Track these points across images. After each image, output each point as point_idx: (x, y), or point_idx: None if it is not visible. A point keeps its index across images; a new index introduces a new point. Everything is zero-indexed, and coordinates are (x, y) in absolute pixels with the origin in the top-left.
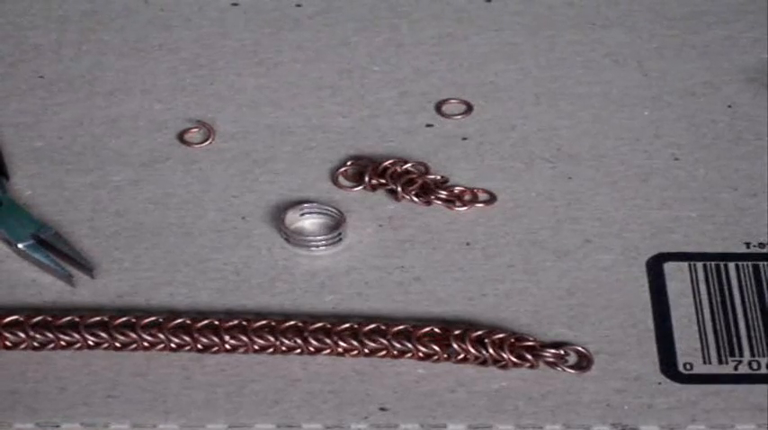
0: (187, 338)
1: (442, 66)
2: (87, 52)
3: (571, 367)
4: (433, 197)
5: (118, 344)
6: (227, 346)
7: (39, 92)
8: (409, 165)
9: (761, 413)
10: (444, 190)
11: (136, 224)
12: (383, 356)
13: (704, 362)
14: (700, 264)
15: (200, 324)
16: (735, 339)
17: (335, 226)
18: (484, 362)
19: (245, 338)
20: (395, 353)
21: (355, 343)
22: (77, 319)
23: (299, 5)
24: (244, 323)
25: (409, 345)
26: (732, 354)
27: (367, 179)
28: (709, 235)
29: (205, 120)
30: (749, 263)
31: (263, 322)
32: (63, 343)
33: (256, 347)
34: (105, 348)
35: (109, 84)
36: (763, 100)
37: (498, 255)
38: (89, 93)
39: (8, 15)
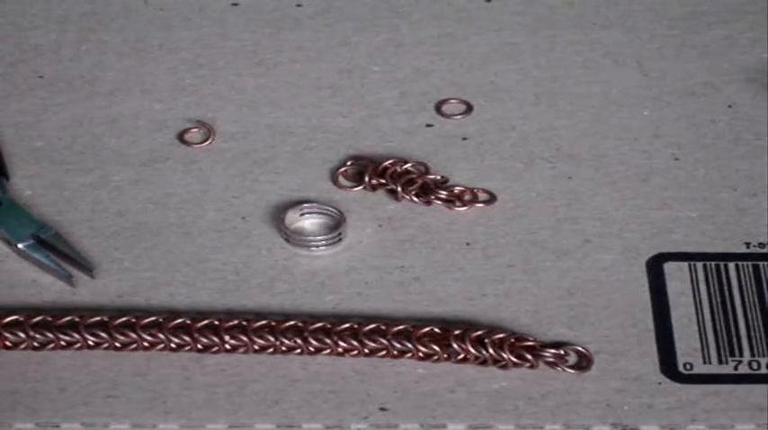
0: (187, 338)
1: (442, 66)
2: (87, 52)
3: (571, 367)
4: (433, 197)
5: (118, 345)
6: (227, 346)
7: (39, 92)
8: (409, 165)
9: (761, 413)
10: (444, 190)
11: (136, 224)
12: (383, 356)
13: (704, 362)
14: (700, 264)
15: (200, 324)
16: (735, 339)
17: (335, 226)
18: (484, 362)
19: (245, 338)
20: (395, 353)
21: (355, 343)
22: (77, 319)
23: (299, 5)
24: (244, 323)
25: (409, 345)
26: (732, 354)
27: (367, 179)
28: (709, 235)
29: (205, 120)
30: (749, 263)
31: (263, 322)
32: (63, 343)
33: (256, 347)
34: (105, 348)
35: (109, 84)
36: (763, 100)
37: (498, 255)
38: (89, 93)
39: (8, 15)
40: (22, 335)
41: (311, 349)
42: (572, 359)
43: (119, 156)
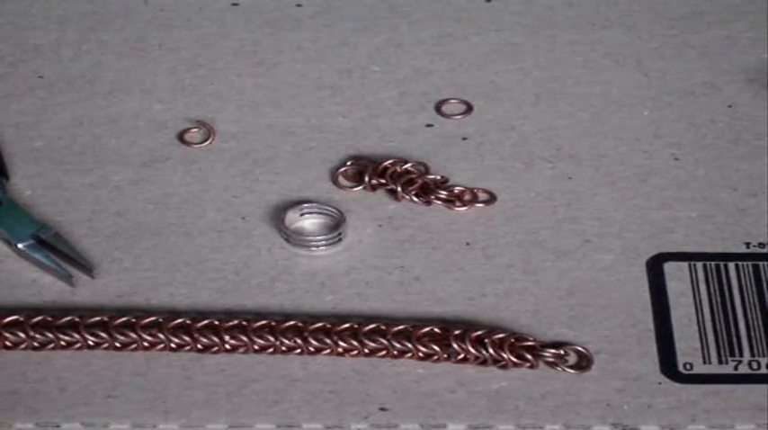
0: (187, 338)
1: (442, 66)
2: (87, 52)
3: (571, 367)
4: (433, 197)
5: (118, 345)
6: (227, 346)
7: (39, 92)
8: (409, 165)
9: (761, 413)
10: (444, 190)
11: (136, 224)
12: (383, 356)
13: (704, 362)
14: (700, 264)
15: (200, 324)
16: (735, 339)
17: (335, 226)
18: (484, 362)
19: (245, 338)
20: (395, 353)
21: (355, 343)
22: (77, 319)
23: (299, 5)
24: (244, 323)
25: (409, 345)
26: (732, 354)
27: (367, 179)
28: (709, 235)
29: (205, 120)
30: (749, 263)
31: (263, 322)
32: (63, 343)
33: (256, 347)
34: (105, 348)
35: (109, 84)
36: (763, 100)
37: (498, 255)
38: (89, 93)
39: (8, 15)
40: (22, 335)
41: (311, 349)
42: (572, 359)
43: (119, 156)
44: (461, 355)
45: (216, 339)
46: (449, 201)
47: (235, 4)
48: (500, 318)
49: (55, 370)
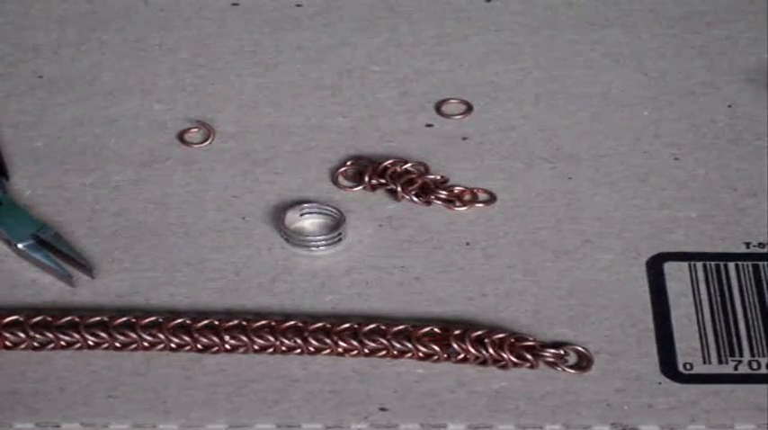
0: (187, 338)
1: (442, 66)
2: (87, 52)
3: (571, 367)
4: (432, 197)
5: (118, 345)
6: (227, 346)
7: (39, 92)
8: (409, 165)
9: (761, 413)
10: (444, 190)
11: (136, 224)
12: (383, 356)
13: (704, 362)
14: (700, 264)
15: (200, 324)
16: (735, 339)
17: (335, 226)
18: (484, 362)
19: (245, 338)
20: (395, 353)
21: (355, 343)
22: (77, 319)
23: (299, 5)
24: (244, 323)
25: (409, 345)
26: (732, 354)
27: (367, 179)
28: (709, 235)
29: (205, 120)
30: (749, 263)
31: (263, 322)
32: (63, 343)
33: (256, 347)
34: (105, 348)
35: (109, 84)
36: (763, 100)
37: (498, 255)
38: (89, 93)
39: (8, 15)
40: (22, 335)
41: (311, 349)
42: (572, 359)
43: (119, 157)
44: (461, 355)
45: (216, 339)
46: (449, 201)
47: (235, 4)
48: (500, 318)
49: (55, 370)
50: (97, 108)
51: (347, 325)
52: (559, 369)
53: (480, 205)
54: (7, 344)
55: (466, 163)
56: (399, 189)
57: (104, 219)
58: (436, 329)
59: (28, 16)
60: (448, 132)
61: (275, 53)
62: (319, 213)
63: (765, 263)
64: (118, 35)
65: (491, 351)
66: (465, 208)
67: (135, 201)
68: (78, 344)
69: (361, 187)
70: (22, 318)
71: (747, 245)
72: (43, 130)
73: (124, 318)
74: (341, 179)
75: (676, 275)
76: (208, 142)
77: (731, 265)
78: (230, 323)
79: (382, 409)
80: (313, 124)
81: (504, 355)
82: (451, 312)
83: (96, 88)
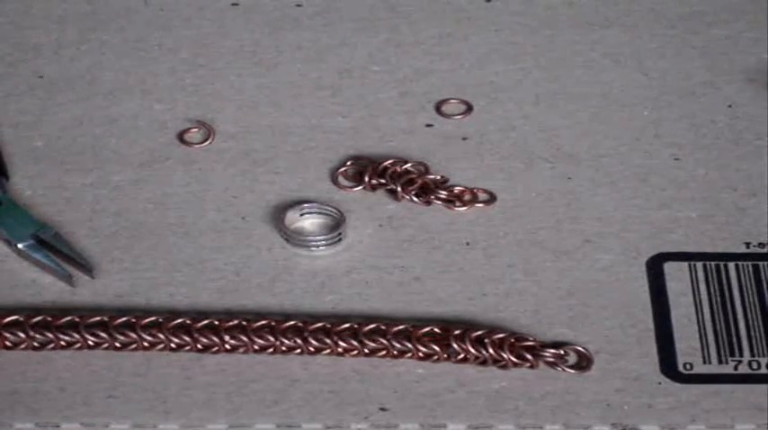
0: (187, 338)
1: (442, 66)
2: (87, 52)
3: (571, 367)
4: (433, 197)
5: (118, 345)
6: (227, 346)
7: (39, 92)
8: (409, 165)
9: (761, 413)
10: (444, 190)
11: (136, 224)
12: (383, 356)
13: (704, 362)
14: (700, 264)
15: (200, 324)
16: (735, 339)
17: (335, 226)
18: (484, 362)
19: (245, 338)
20: (395, 353)
21: (355, 343)
22: (77, 319)
23: (299, 5)
24: (244, 323)
25: (409, 345)
26: (732, 354)
27: (367, 179)
28: (709, 235)
29: (205, 120)
30: (749, 263)
31: (263, 322)
32: (63, 343)
33: (256, 347)
34: (105, 348)
35: (109, 84)
36: (763, 100)
37: (498, 255)
38: (89, 93)
39: (8, 15)
40: (22, 335)
41: (311, 349)
42: (572, 359)
43: (119, 157)
44: (461, 355)
45: (216, 339)
46: (449, 201)
47: (235, 4)
48: (500, 318)
49: (55, 370)
50: (97, 108)
51: (347, 325)
52: (559, 369)
53: (480, 205)
54: (7, 344)
55: (466, 163)
56: (399, 189)
57: (104, 219)
58: (436, 329)
59: (28, 16)
60: (448, 132)
61: (275, 53)
62: (319, 213)
63: (765, 263)
64: (118, 35)
65: (491, 351)
66: (465, 208)
67: (135, 201)
68: (78, 344)
69: (361, 187)
70: (22, 318)
71: (747, 245)
72: (43, 130)
73: (124, 318)
74: (341, 179)
75: (676, 275)
76: (208, 142)
77: (731, 265)
78: (230, 323)
79: (382, 409)
80: (313, 124)
81: (504, 355)
82: (451, 312)
83: (96, 88)
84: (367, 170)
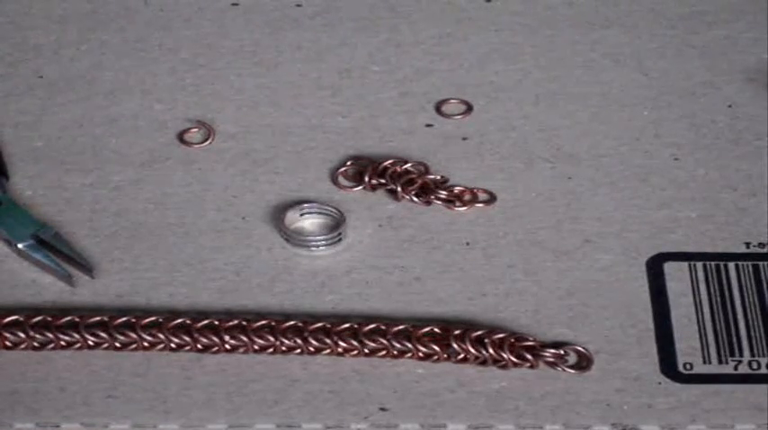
0: (187, 338)
1: (442, 66)
2: (87, 52)
3: (571, 367)
4: (433, 197)
5: (118, 345)
6: (227, 346)
7: (39, 92)
8: (409, 165)
9: (761, 413)
10: (444, 190)
11: (136, 224)
12: (383, 356)
13: (704, 362)
14: (700, 264)
15: (200, 324)
16: (735, 339)
17: (335, 226)
18: (484, 362)
19: (245, 338)
20: (395, 353)
21: (355, 343)
22: (77, 319)
23: (299, 5)
24: (244, 323)
25: (409, 345)
26: (732, 354)
27: (367, 179)
28: (709, 235)
29: (205, 120)
30: (749, 263)
31: (263, 322)
32: (63, 343)
33: (256, 347)
34: (105, 348)
35: (109, 84)
36: (763, 100)
37: (498, 255)
38: (89, 93)
39: (8, 15)
40: (22, 335)
41: (311, 349)
42: (572, 359)
43: (119, 156)
44: (461, 355)
45: (216, 339)
46: (449, 201)
47: (235, 4)
48: (500, 318)
49: (55, 370)
50: (97, 108)
51: (347, 325)
52: (559, 369)
53: (480, 205)
54: (7, 344)
55: (466, 163)
56: (399, 189)
57: (104, 219)
58: (436, 329)
59: (28, 16)
60: (448, 132)
61: (275, 53)
62: (319, 213)
63: (765, 263)
64: (118, 35)
65: (491, 351)
66: (465, 208)
67: (135, 201)
68: (78, 344)
69: (361, 187)
70: (22, 318)
71: (747, 245)
72: (43, 130)
73: (124, 318)
74: (341, 179)
75: (676, 275)
76: (208, 142)
77: (731, 265)
78: (230, 323)
79: (382, 409)
80: (313, 124)
81: (504, 355)
82: (451, 312)
83: (96, 88)
84: (367, 170)
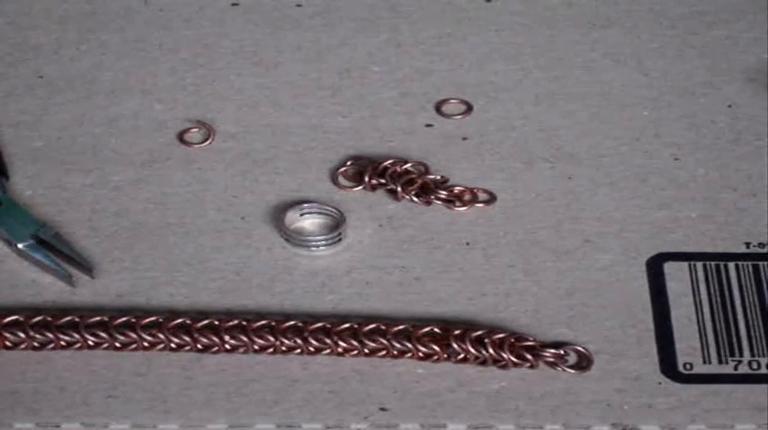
0: (187, 338)
1: (442, 66)
2: (87, 52)
3: (571, 367)
4: (433, 197)
5: (118, 345)
6: (227, 346)
7: (39, 92)
8: (409, 165)
9: (761, 413)
10: (444, 190)
11: (136, 224)
12: (383, 356)
13: (704, 362)
14: (700, 264)
15: (200, 324)
16: (735, 339)
17: (335, 226)
18: (484, 362)
19: (245, 338)
20: (395, 353)
21: (355, 343)
22: (77, 319)
23: (299, 5)
24: (244, 323)
25: (409, 345)
26: (732, 354)
27: (367, 179)
28: (709, 235)
29: (205, 120)
30: (749, 263)
31: (263, 322)
32: (63, 343)
33: (256, 347)
34: (105, 348)
35: (109, 84)
36: (763, 100)
37: (498, 255)
38: (89, 93)
39: (8, 15)
40: (22, 335)
41: (311, 349)
42: (572, 359)
43: (119, 156)
44: (461, 355)
45: (216, 339)
46: (449, 201)
47: (235, 4)
48: (500, 318)
49: (55, 370)
50: (97, 108)
51: (347, 325)
52: (559, 369)
53: (480, 205)
54: (7, 344)
55: (466, 163)
56: (399, 189)
57: (104, 219)
58: (436, 329)
59: (28, 16)
60: (448, 132)
61: (275, 53)
62: (319, 213)
63: (765, 263)
64: (118, 35)
65: (491, 351)
66: (465, 208)
67: (135, 201)
68: (78, 344)
69: (361, 187)
70: (22, 318)
71: (747, 245)
72: (43, 130)
73: (124, 318)
74: (341, 179)
75: (676, 275)
76: (208, 142)
77: (731, 265)
78: (230, 323)
79: (382, 409)
80: (313, 124)
81: (504, 355)
82: (451, 312)
83: (96, 88)
84: (367, 170)
